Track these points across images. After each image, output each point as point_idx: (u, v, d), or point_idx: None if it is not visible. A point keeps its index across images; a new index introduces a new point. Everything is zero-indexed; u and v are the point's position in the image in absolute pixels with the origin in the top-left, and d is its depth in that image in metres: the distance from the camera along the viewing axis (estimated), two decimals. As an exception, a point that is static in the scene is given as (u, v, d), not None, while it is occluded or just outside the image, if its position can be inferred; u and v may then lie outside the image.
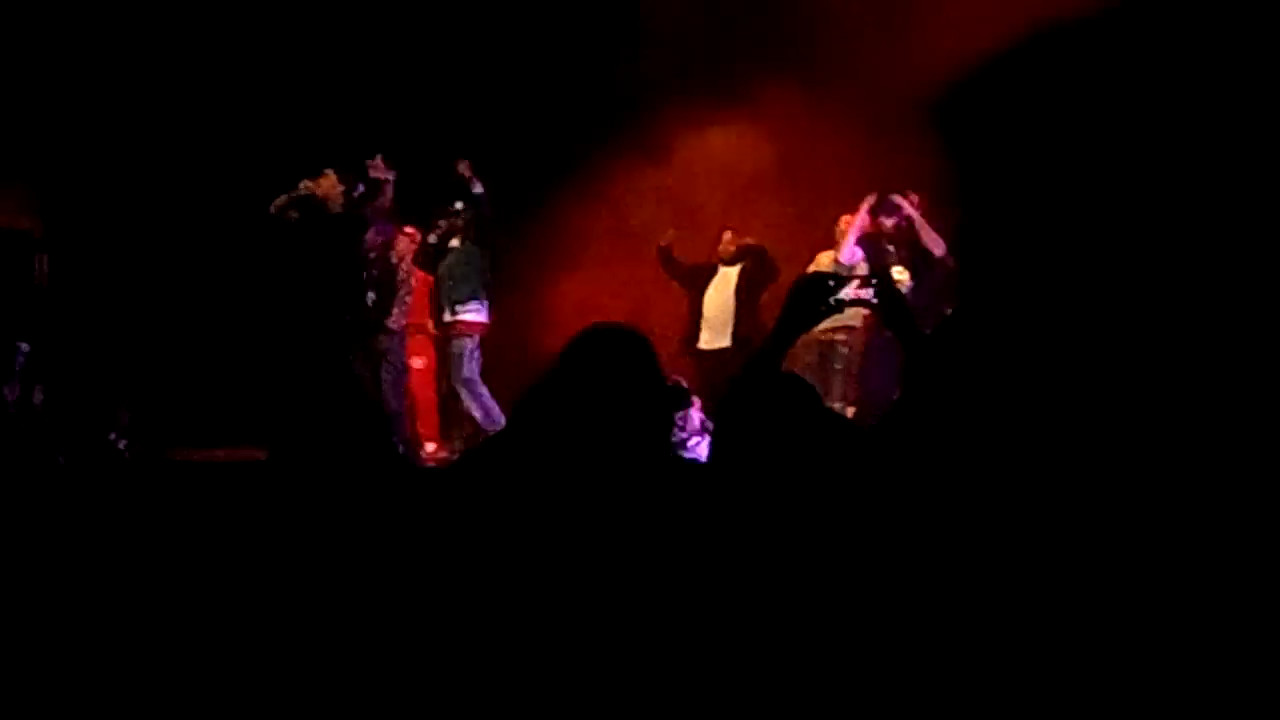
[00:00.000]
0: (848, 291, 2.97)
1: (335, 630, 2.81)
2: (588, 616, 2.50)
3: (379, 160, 8.83)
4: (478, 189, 9.41)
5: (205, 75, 10.44)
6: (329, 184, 8.73)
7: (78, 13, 9.87)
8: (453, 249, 9.61)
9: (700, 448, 8.56)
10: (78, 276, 9.28)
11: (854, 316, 8.95)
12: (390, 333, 9.10)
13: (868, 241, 9.36)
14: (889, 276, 3.22)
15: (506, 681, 2.51)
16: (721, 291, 9.85)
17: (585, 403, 2.82)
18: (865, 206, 9.28)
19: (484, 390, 9.25)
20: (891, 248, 9.22)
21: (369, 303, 9.04)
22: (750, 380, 2.89)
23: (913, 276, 9.07)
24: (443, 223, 9.60)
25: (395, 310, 9.15)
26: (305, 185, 8.71)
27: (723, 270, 9.91)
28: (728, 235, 9.98)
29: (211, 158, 10.03)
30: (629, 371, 2.89)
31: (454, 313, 9.46)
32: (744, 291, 9.77)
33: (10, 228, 8.80)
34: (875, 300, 2.98)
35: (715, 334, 9.78)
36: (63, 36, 9.90)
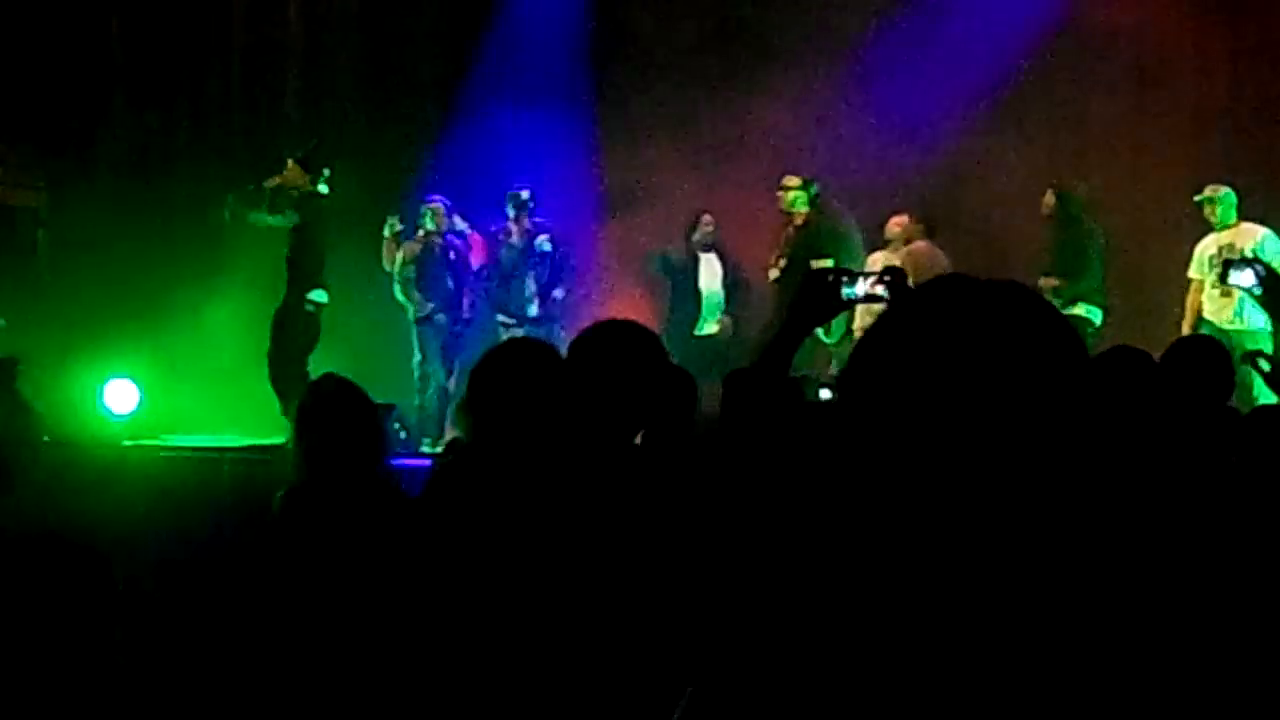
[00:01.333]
0: (861, 287, 2.91)
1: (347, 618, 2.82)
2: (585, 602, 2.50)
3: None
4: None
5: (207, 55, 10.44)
6: (294, 173, 8.97)
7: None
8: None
9: None
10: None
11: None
12: (466, 322, 9.80)
13: None
14: (902, 273, 3.14)
15: (508, 671, 2.52)
16: (709, 278, 9.93)
17: (595, 397, 2.81)
18: None
19: None
20: None
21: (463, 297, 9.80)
22: (761, 377, 2.86)
23: None
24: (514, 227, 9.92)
25: (466, 302, 9.79)
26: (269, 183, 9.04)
27: (704, 256, 9.96)
28: (707, 218, 9.95)
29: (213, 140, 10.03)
30: (638, 365, 2.89)
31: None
32: (730, 277, 9.88)
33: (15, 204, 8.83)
34: (888, 296, 2.92)
35: (709, 320, 9.91)
36: (69, 17, 9.91)
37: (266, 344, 8.65)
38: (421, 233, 9.80)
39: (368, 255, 9.86)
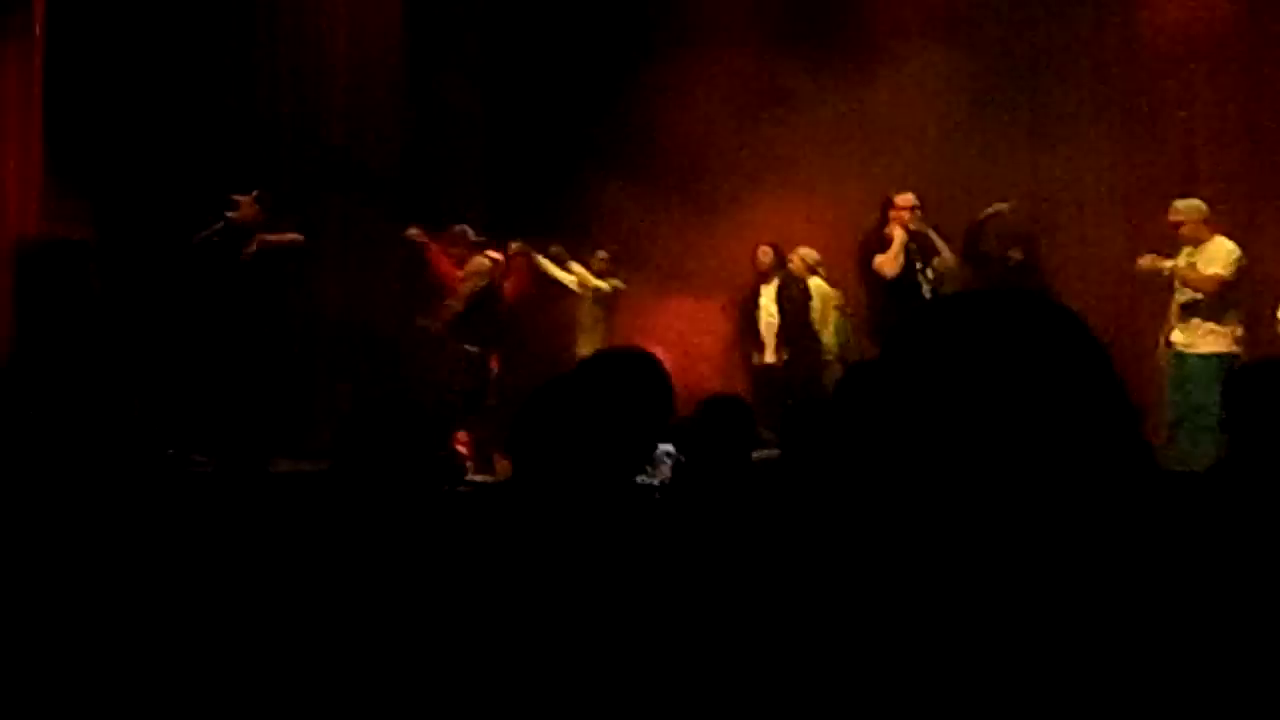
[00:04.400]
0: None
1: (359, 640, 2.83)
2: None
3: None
4: None
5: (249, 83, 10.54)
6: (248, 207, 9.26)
7: (133, 23, 9.99)
8: None
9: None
10: (130, 285, 9.39)
11: None
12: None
13: None
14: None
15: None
16: (765, 308, 9.84)
17: (583, 426, 2.82)
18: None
19: None
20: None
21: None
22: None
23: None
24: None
25: None
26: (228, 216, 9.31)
27: (762, 288, 9.88)
28: (764, 249, 9.83)
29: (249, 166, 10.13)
30: (634, 396, 2.90)
31: None
32: (786, 302, 9.73)
33: (67, 238, 8.92)
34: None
35: (768, 350, 9.81)
36: (116, 45, 10.01)
37: None
38: None
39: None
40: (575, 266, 10.31)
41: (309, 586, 3.05)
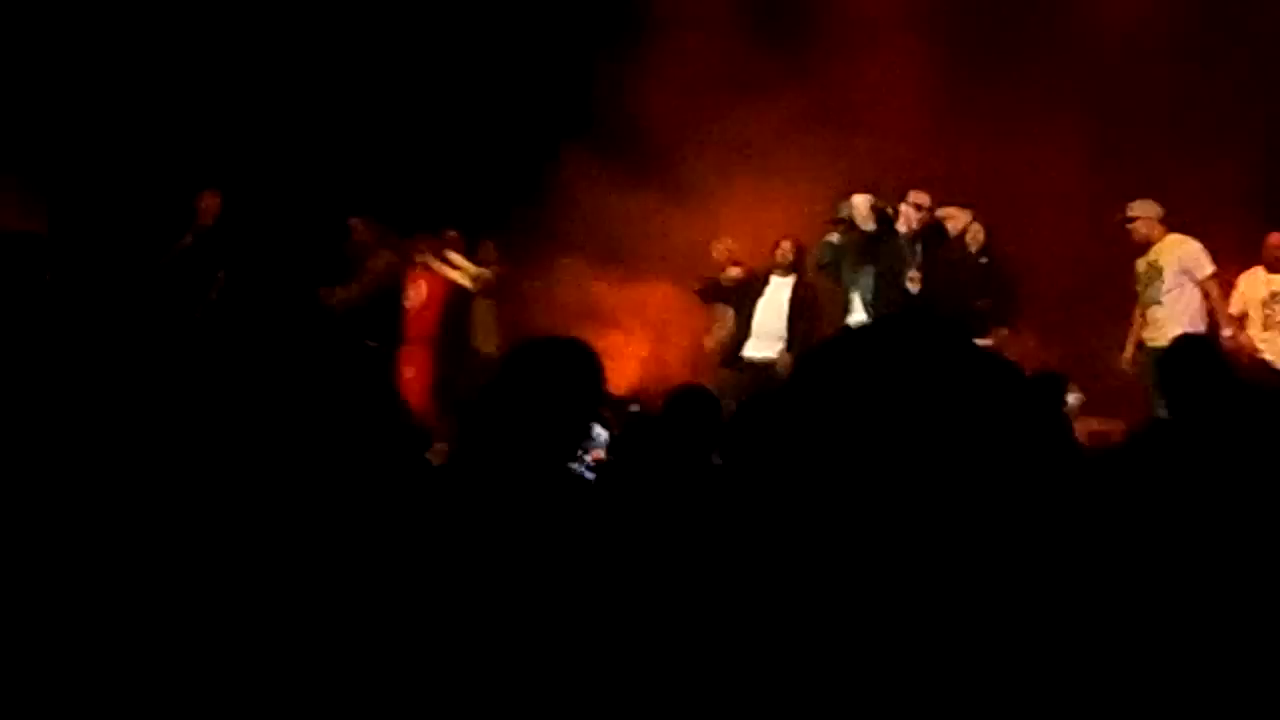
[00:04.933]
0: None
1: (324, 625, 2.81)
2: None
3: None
4: None
5: (203, 73, 10.45)
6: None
7: (84, 17, 9.91)
8: None
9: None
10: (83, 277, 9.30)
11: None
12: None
13: None
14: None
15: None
16: (774, 302, 9.52)
17: (515, 415, 2.83)
18: None
19: None
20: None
21: None
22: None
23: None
24: None
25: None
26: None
27: (776, 280, 9.58)
28: (786, 244, 9.59)
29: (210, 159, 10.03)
30: (565, 385, 2.90)
31: None
32: (799, 303, 9.46)
33: (19, 231, 8.81)
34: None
35: (763, 343, 9.50)
36: (64, 33, 9.92)
37: None
38: None
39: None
40: (457, 259, 10.24)
41: (252, 567, 3.04)
